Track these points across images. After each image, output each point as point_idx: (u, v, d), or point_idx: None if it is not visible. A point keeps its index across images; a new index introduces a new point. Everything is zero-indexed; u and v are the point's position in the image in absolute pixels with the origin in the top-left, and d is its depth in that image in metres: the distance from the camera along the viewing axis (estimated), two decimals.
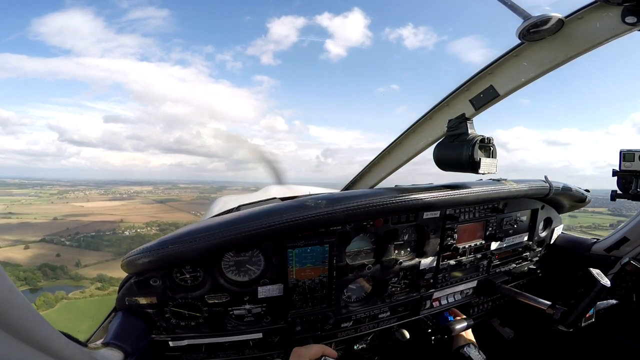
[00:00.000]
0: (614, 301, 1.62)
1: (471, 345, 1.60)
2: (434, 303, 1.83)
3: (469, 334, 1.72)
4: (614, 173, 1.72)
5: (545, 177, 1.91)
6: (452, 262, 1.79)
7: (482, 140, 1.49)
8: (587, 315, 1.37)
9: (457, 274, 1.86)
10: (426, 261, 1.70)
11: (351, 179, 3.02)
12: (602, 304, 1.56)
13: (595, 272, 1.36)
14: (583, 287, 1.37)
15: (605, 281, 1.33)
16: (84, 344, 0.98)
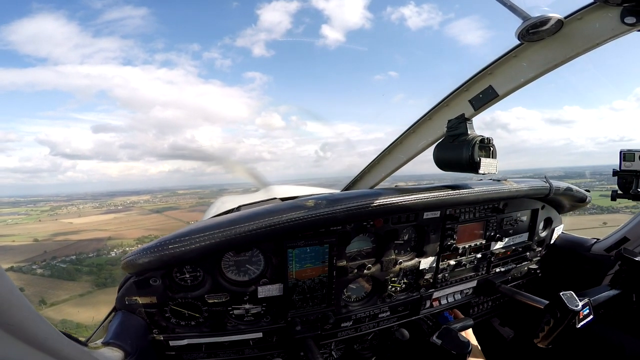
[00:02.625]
0: (613, 292, 1.61)
1: (444, 331, 1.47)
2: (433, 303, 1.84)
3: (469, 334, 1.72)
4: (614, 173, 1.72)
5: (546, 177, 1.91)
6: (452, 262, 1.79)
7: (482, 140, 1.49)
8: (581, 315, 1.37)
9: (457, 274, 1.86)
10: (426, 261, 1.71)
11: (351, 178, 3.01)
12: (602, 296, 1.55)
13: (566, 296, 1.35)
14: (555, 311, 1.36)
15: (575, 305, 1.32)
16: (84, 344, 0.99)
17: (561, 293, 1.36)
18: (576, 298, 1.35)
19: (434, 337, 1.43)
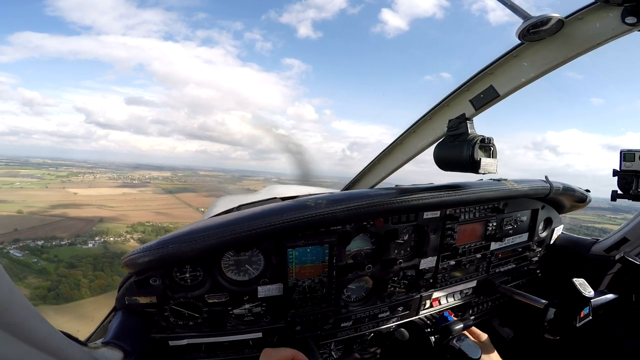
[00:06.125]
0: (611, 296, 1.61)
1: (461, 337, 1.54)
2: (433, 303, 1.84)
3: (475, 331, 1.71)
4: (615, 173, 1.72)
5: (546, 177, 1.92)
6: (451, 262, 1.79)
7: (482, 140, 1.49)
8: (582, 315, 1.37)
9: (457, 273, 1.86)
10: (426, 261, 1.71)
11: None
12: (600, 299, 1.56)
13: (579, 282, 1.35)
14: (567, 297, 1.37)
15: (589, 292, 1.33)
16: (84, 344, 0.98)
17: (574, 279, 1.36)
18: (588, 285, 1.35)
19: (454, 342, 1.49)
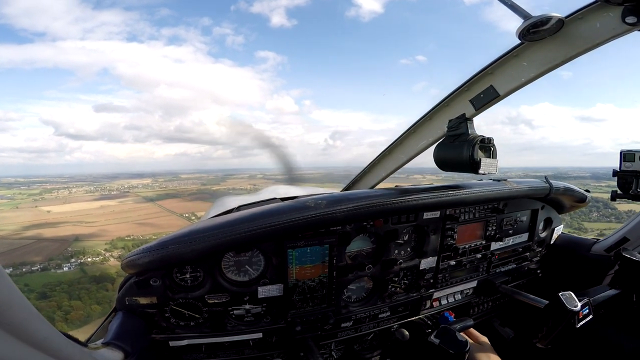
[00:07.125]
0: (612, 292, 1.61)
1: (441, 330, 1.38)
2: (434, 303, 1.84)
3: (472, 332, 1.70)
4: (614, 173, 1.72)
5: (545, 177, 1.92)
6: (452, 262, 1.79)
7: (482, 140, 1.49)
8: (581, 315, 1.37)
9: (457, 274, 1.86)
10: (426, 261, 1.71)
11: (359, 169, 3.01)
12: (601, 296, 1.56)
13: (565, 297, 1.35)
14: (554, 313, 1.38)
15: (574, 306, 1.33)
16: (84, 344, 0.98)
17: (560, 293, 1.37)
18: (575, 298, 1.36)
19: (432, 337, 1.35)
